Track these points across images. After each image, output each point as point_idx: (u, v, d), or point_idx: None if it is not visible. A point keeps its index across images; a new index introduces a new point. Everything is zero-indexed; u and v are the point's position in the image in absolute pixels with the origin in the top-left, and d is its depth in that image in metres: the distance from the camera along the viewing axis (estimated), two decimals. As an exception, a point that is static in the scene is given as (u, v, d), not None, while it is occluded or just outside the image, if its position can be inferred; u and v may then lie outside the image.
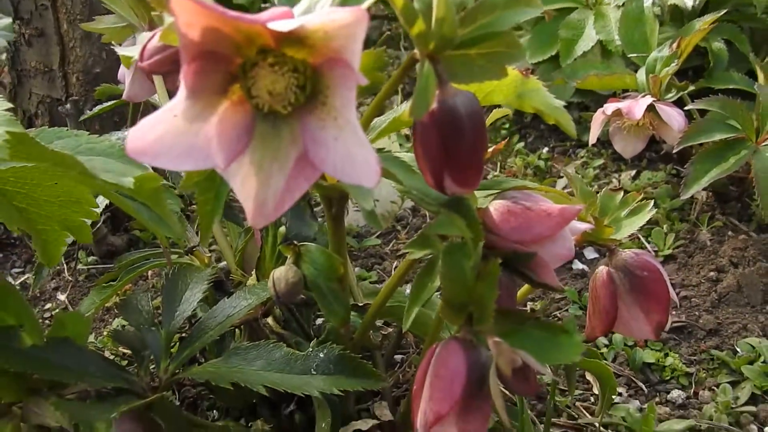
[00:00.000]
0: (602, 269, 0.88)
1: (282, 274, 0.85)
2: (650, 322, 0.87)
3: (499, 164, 2.13)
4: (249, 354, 0.89)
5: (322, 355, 0.87)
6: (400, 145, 2.10)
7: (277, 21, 0.53)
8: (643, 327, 0.87)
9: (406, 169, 0.71)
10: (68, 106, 1.61)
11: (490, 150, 0.77)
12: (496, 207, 0.75)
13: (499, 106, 0.84)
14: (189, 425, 0.93)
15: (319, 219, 1.17)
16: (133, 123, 1.42)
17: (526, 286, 0.97)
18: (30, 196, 0.82)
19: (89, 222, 0.91)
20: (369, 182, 0.54)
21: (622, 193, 0.93)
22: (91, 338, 1.47)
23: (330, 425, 0.95)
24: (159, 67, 0.86)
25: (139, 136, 0.55)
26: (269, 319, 1.05)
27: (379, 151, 0.74)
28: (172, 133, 0.56)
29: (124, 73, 1.18)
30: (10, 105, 0.69)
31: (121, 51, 1.05)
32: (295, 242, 0.86)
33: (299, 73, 0.58)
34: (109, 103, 1.48)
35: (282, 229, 1.06)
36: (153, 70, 0.87)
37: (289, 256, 0.87)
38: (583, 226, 0.81)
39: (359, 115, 0.60)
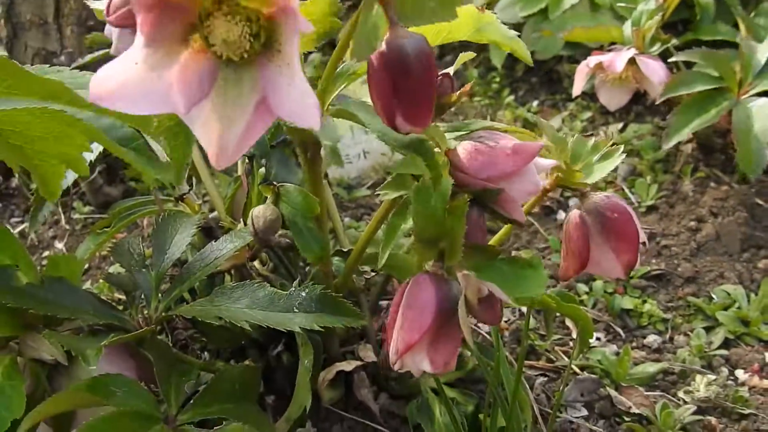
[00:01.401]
0: (574, 212, 0.92)
1: (260, 212, 0.88)
2: (620, 262, 0.91)
3: (489, 117, 2.15)
4: (234, 293, 0.93)
5: (304, 294, 0.91)
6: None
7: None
8: (614, 266, 0.91)
9: (369, 112, 0.74)
10: (62, 58, 1.63)
11: (456, 93, 0.79)
12: (464, 147, 0.79)
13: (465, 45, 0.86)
14: (178, 362, 0.97)
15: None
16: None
17: (503, 230, 1.01)
18: (24, 135, 0.85)
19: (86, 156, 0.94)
20: (315, 125, 0.57)
21: (593, 139, 0.96)
22: (87, 285, 1.52)
23: (312, 363, 0.99)
24: (124, 21, 0.89)
25: (101, 82, 0.57)
26: (256, 263, 1.09)
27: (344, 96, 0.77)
28: (133, 79, 0.58)
29: (111, 29, 1.20)
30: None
31: (93, 5, 1.08)
32: (275, 182, 0.89)
33: (252, 22, 0.60)
34: (101, 52, 1.50)
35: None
36: (119, 24, 0.89)
37: (268, 196, 0.90)
38: (549, 163, 0.84)
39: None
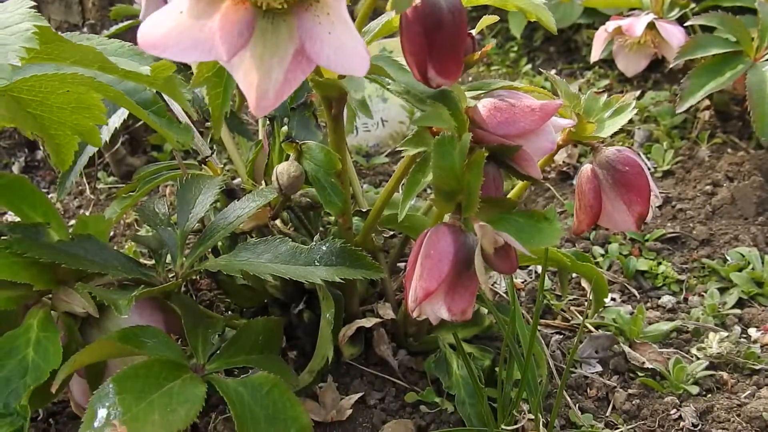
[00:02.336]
0: (587, 166, 0.94)
1: (284, 168, 0.91)
2: (632, 214, 0.93)
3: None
4: (257, 248, 0.96)
5: (325, 248, 0.94)
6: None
7: None
8: (625, 218, 0.93)
9: (398, 67, 0.76)
10: (85, 29, 1.66)
11: (478, 53, 0.82)
12: (483, 104, 0.81)
13: (485, 8, 0.88)
14: (204, 315, 1.00)
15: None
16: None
17: (518, 186, 1.04)
18: (43, 104, 0.88)
19: (105, 133, 0.97)
20: (360, 71, 0.60)
21: (605, 95, 0.98)
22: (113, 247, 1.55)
23: (334, 316, 1.02)
24: None
25: (149, 30, 0.61)
26: (278, 222, 1.12)
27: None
28: (178, 28, 0.62)
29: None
30: (33, 3, 0.74)
31: None
32: (297, 140, 0.92)
33: None
34: (125, 23, 1.53)
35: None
36: None
37: (291, 154, 0.93)
38: (565, 122, 0.87)
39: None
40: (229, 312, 1.29)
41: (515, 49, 2.33)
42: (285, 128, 1.10)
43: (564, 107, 0.91)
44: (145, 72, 0.75)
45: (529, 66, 2.24)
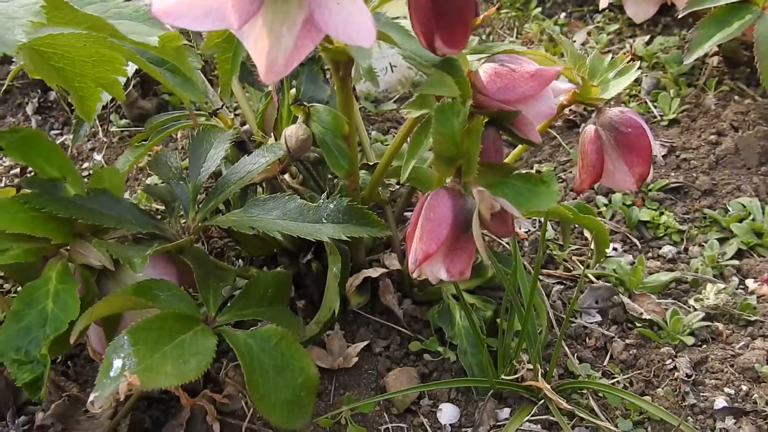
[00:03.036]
0: (590, 127, 0.96)
1: (293, 131, 0.94)
2: (633, 174, 0.95)
3: (515, 30, 2.16)
4: (267, 205, 0.99)
5: (332, 206, 0.97)
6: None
7: None
8: (626, 178, 0.96)
9: (404, 34, 0.78)
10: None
11: (481, 16, 0.83)
12: (484, 69, 0.83)
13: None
14: (216, 268, 1.04)
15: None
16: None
17: (517, 148, 1.06)
18: (66, 57, 0.90)
19: (121, 79, 0.99)
20: (366, 42, 0.62)
21: (610, 55, 0.99)
22: (126, 195, 1.59)
23: (341, 270, 1.06)
24: None
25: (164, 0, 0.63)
26: (287, 176, 1.15)
27: (377, 16, 0.81)
28: None
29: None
30: (46, -26, 0.76)
31: None
32: (305, 103, 0.94)
33: None
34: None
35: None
36: None
37: (299, 116, 0.95)
38: (566, 86, 0.88)
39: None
40: (240, 260, 1.33)
41: (527, -8, 2.31)
42: (294, 82, 1.12)
43: (568, 68, 0.93)
44: (153, 42, 0.77)
45: (539, 9, 2.23)
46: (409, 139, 0.91)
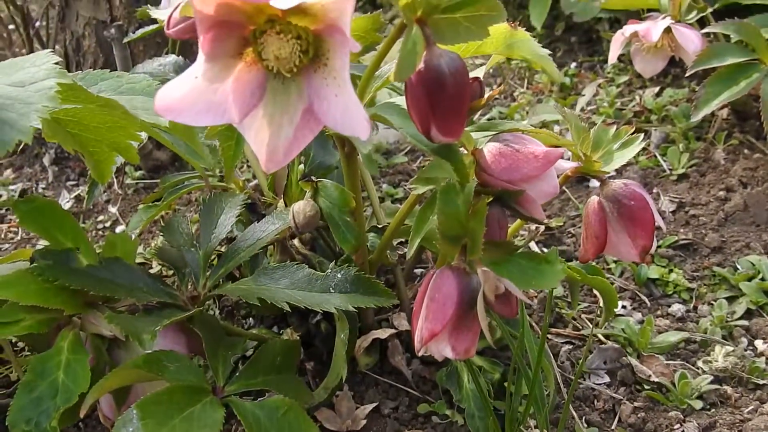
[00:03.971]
0: (594, 198, 0.97)
1: (300, 208, 0.95)
2: (636, 247, 0.96)
3: (526, 80, 2.18)
4: (275, 273, 1.01)
5: (340, 275, 0.98)
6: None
7: (280, -1, 0.62)
8: (629, 250, 0.97)
9: (404, 117, 0.80)
10: (113, 30, 1.70)
11: (485, 96, 0.85)
12: (489, 149, 0.84)
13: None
14: (225, 334, 1.05)
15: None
16: (174, 46, 1.51)
17: (516, 223, 1.07)
18: (81, 123, 0.93)
19: (135, 144, 1.02)
20: (363, 135, 0.64)
21: (615, 126, 1.00)
22: (140, 249, 1.61)
23: (348, 336, 1.07)
24: (183, 35, 0.96)
25: (166, 95, 0.65)
26: (296, 241, 1.16)
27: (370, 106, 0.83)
28: (194, 92, 0.66)
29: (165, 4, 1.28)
30: (60, 58, 0.79)
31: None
32: (313, 178, 0.96)
33: (302, 39, 0.67)
34: (151, 27, 1.57)
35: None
36: (178, 36, 0.96)
37: (307, 191, 0.97)
38: (569, 165, 0.90)
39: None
40: (250, 318, 1.34)
41: (536, 40, 2.33)
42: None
43: (572, 144, 0.94)
44: (163, 123, 0.79)
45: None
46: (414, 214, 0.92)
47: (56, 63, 0.77)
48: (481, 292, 0.78)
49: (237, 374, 0.98)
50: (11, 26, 2.31)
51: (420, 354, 0.81)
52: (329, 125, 0.67)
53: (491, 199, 0.84)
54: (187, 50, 1.03)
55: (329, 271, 0.99)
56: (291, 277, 0.99)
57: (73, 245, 0.99)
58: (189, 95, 0.66)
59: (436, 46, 0.71)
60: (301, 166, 1.17)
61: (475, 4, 0.70)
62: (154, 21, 1.58)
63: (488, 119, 1.99)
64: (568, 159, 0.94)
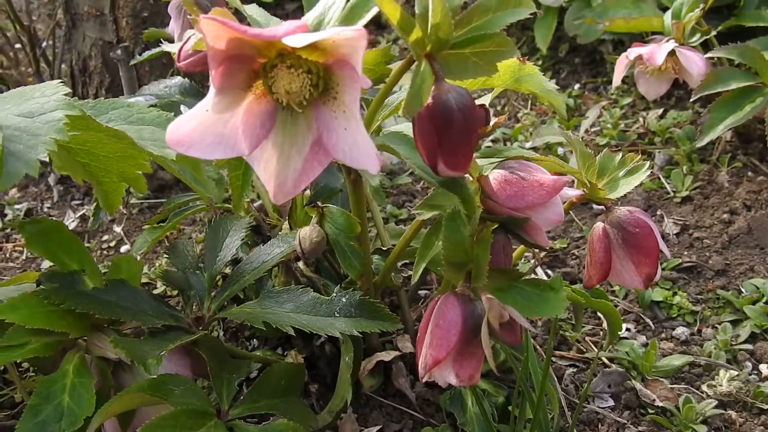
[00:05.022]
0: (598, 225, 0.97)
1: (306, 234, 0.96)
2: (640, 274, 0.96)
3: (529, 102, 2.19)
4: (280, 297, 1.01)
5: (344, 299, 0.99)
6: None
7: (292, 36, 0.62)
8: (634, 278, 0.96)
9: (411, 147, 0.80)
10: (119, 52, 1.71)
11: (491, 124, 0.85)
12: (494, 176, 0.85)
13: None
14: (230, 357, 1.05)
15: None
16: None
17: (520, 248, 1.07)
18: (91, 153, 0.94)
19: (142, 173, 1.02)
20: (372, 169, 0.64)
21: (620, 153, 1.00)
22: (144, 269, 1.61)
23: (353, 359, 1.07)
24: (193, 67, 0.97)
25: (177, 129, 0.66)
26: (300, 264, 1.17)
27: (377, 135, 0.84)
28: (204, 124, 0.67)
29: (173, 26, 1.29)
30: (69, 90, 0.79)
31: (165, 48, 1.15)
32: (319, 203, 0.97)
33: (313, 73, 0.67)
34: (157, 49, 1.57)
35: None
36: (188, 69, 0.97)
37: (313, 216, 0.98)
38: (574, 193, 0.90)
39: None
40: (255, 339, 1.34)
41: (540, 62, 2.35)
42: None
43: (577, 172, 0.94)
44: (171, 155, 0.79)
45: (554, 81, 2.26)
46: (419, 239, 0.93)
47: (65, 94, 0.77)
48: (486, 319, 0.79)
49: (241, 398, 0.99)
50: (17, 45, 2.32)
51: (424, 381, 0.81)
52: (338, 158, 0.67)
53: (496, 225, 0.84)
54: (192, 72, 1.04)
55: (334, 295, 0.99)
56: (296, 300, 1.00)
57: (79, 267, 1.00)
58: (199, 128, 0.66)
59: (444, 81, 0.72)
60: (307, 191, 1.17)
61: (485, 40, 0.71)
62: (160, 42, 1.60)
63: (492, 140, 2.00)
64: (572, 182, 0.95)
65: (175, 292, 1.46)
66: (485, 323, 0.78)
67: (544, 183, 0.83)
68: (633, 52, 1.65)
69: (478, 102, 0.84)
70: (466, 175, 0.84)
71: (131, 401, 0.90)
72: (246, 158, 0.69)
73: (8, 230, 1.85)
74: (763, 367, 1.30)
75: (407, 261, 1.34)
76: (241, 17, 0.86)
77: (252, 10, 0.95)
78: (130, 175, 0.97)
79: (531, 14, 0.73)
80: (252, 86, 0.68)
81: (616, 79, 1.71)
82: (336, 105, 0.67)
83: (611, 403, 1.24)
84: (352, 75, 0.64)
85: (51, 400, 0.90)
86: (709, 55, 1.61)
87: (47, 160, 0.71)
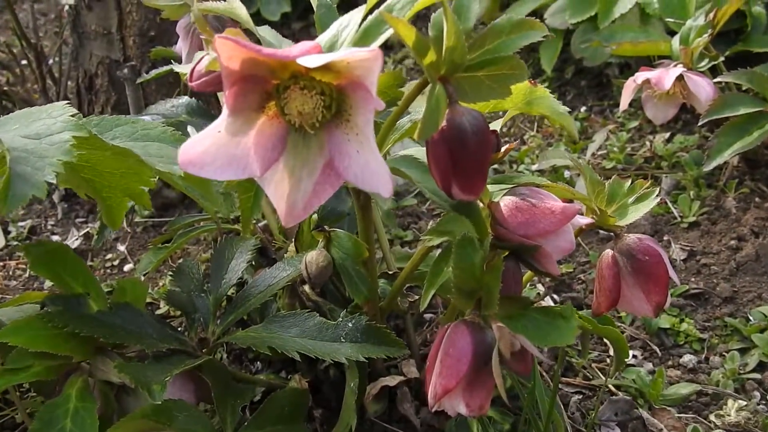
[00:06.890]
0: (607, 252, 0.96)
1: (313, 258, 0.95)
2: (650, 302, 0.95)
3: (535, 124, 2.19)
4: (286, 321, 1.00)
5: (351, 324, 0.98)
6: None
7: (306, 57, 0.62)
8: (643, 306, 0.95)
9: (423, 171, 0.79)
10: (126, 70, 1.71)
11: (503, 150, 0.85)
12: (505, 203, 0.84)
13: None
14: (234, 381, 1.04)
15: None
16: (186, 87, 1.51)
17: (528, 273, 1.06)
18: (95, 169, 0.93)
19: (147, 189, 1.02)
20: (385, 192, 0.63)
21: (630, 180, 1.00)
22: (149, 289, 1.60)
23: (358, 385, 1.06)
24: (206, 88, 0.97)
25: (189, 149, 0.65)
26: (306, 287, 1.16)
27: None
28: (216, 145, 0.66)
29: (181, 45, 1.29)
30: (76, 111, 0.79)
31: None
32: (326, 228, 0.96)
33: (326, 95, 0.67)
34: (164, 68, 1.57)
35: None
36: (201, 89, 0.97)
37: (320, 240, 0.97)
38: (585, 221, 0.89)
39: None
40: (258, 362, 1.33)
41: (546, 84, 2.34)
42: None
43: (587, 200, 0.94)
44: (177, 172, 0.79)
45: (560, 102, 2.25)
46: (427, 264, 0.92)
47: (72, 115, 0.77)
48: (496, 350, 0.78)
49: (245, 424, 0.97)
50: (24, 62, 2.33)
51: (433, 410, 0.80)
52: (350, 181, 0.66)
53: (506, 253, 0.83)
54: (201, 92, 1.04)
55: (340, 320, 0.98)
56: (301, 325, 0.99)
57: (84, 290, 0.99)
58: (211, 149, 0.66)
59: (458, 104, 0.71)
60: (314, 215, 1.16)
61: (498, 63, 0.71)
62: (168, 62, 1.60)
63: (498, 162, 1.99)
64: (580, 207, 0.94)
65: (178, 312, 1.45)
66: (496, 352, 0.77)
67: (555, 210, 0.82)
68: (641, 76, 1.65)
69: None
70: (477, 201, 0.84)
71: (135, 427, 0.89)
72: (257, 180, 0.68)
73: (11, 247, 1.84)
74: (772, 396, 1.29)
75: (412, 285, 1.33)
76: (253, 38, 0.86)
77: (264, 32, 0.94)
78: (134, 191, 0.97)
79: (543, 37, 0.73)
80: (265, 107, 0.68)
81: (624, 104, 1.71)
82: (349, 127, 0.67)
83: (618, 431, 1.23)
84: (366, 97, 0.63)
85: (53, 425, 0.89)
86: (717, 80, 1.61)
87: (54, 181, 0.71)
